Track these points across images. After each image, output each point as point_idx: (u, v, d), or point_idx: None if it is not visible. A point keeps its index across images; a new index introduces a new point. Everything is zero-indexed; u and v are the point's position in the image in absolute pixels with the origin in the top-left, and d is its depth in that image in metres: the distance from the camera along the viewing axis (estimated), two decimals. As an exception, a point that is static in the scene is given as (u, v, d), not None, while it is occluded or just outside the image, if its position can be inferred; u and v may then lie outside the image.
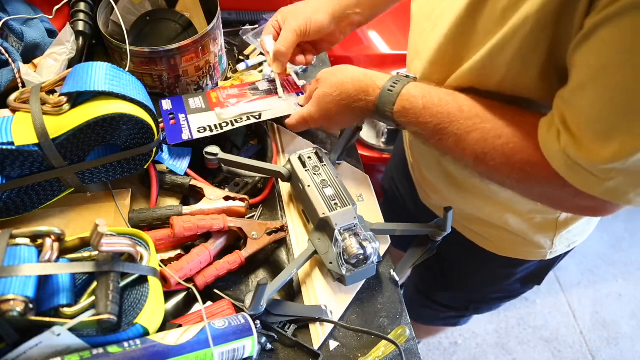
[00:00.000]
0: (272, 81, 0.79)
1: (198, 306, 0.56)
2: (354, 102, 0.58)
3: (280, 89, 0.74)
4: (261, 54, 0.88)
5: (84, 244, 0.49)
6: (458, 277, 0.92)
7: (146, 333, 0.46)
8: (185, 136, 0.66)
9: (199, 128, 0.67)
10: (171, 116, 0.69)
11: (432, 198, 0.79)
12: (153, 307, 0.47)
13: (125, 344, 0.43)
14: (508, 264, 0.76)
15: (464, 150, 0.50)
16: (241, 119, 0.69)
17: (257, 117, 0.70)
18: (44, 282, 0.43)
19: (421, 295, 1.10)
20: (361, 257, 0.56)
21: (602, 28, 0.36)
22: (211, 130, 0.66)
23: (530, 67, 0.45)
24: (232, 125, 0.68)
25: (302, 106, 0.69)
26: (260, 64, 0.87)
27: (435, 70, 0.57)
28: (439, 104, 0.52)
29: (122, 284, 0.47)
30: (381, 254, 0.62)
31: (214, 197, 0.62)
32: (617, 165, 0.38)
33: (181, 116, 0.69)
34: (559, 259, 0.77)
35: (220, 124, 0.68)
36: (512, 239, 0.71)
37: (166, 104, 0.71)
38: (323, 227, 0.59)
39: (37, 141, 0.51)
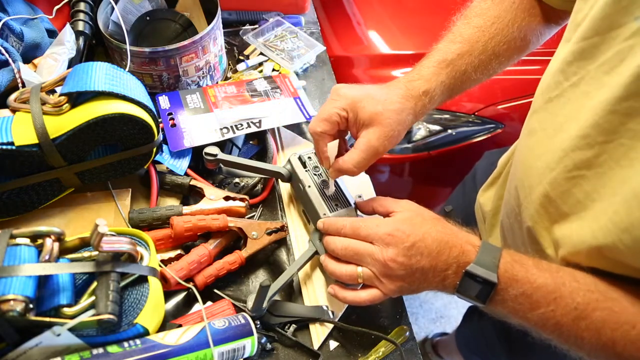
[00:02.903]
0: (270, 82, 0.79)
1: (198, 306, 0.56)
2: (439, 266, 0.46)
3: (331, 185, 0.60)
4: (261, 53, 0.88)
5: (84, 244, 0.49)
6: (525, 353, 0.81)
7: (146, 333, 0.46)
8: (188, 143, 0.66)
9: (200, 135, 0.67)
10: (170, 117, 0.69)
11: None
12: (153, 307, 0.47)
13: (125, 344, 0.43)
14: None
15: (584, 330, 0.41)
16: (241, 125, 0.70)
17: (258, 124, 0.70)
18: (44, 282, 0.43)
19: (478, 346, 1.01)
20: (361, 257, 0.56)
21: None
22: (212, 138, 0.67)
23: None
24: (234, 132, 0.69)
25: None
26: (260, 64, 0.87)
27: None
28: (549, 268, 0.44)
29: (122, 284, 0.47)
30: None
31: (214, 197, 0.62)
32: None
33: (180, 117, 0.69)
34: None
35: (221, 129, 0.68)
36: None
37: (163, 101, 0.71)
38: (323, 227, 0.59)
39: (37, 141, 0.51)
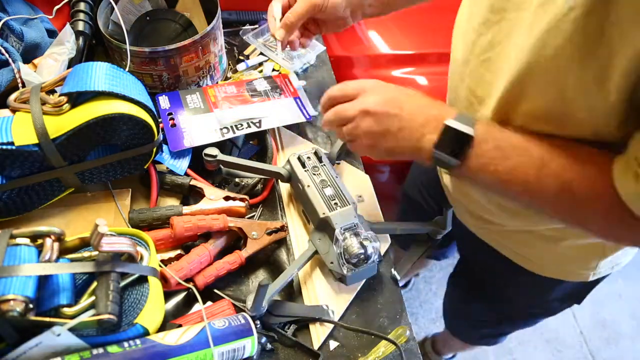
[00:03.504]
0: (270, 81, 0.79)
1: (198, 306, 0.56)
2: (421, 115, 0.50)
3: (279, 50, 0.71)
4: (261, 53, 0.88)
5: (84, 244, 0.49)
6: (494, 291, 0.88)
7: (146, 333, 0.46)
8: (188, 143, 0.66)
9: (200, 135, 0.67)
10: (170, 117, 0.69)
11: (473, 219, 0.73)
12: (153, 307, 0.47)
13: (125, 344, 0.43)
14: (549, 283, 0.73)
15: (546, 176, 0.45)
16: (241, 125, 0.70)
17: (257, 124, 0.70)
18: (44, 282, 0.43)
19: (456, 308, 1.07)
20: (362, 256, 0.56)
21: None
22: (212, 138, 0.67)
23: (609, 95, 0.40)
24: (234, 132, 0.69)
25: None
26: (260, 64, 0.87)
27: (501, 116, 0.51)
28: (510, 134, 0.48)
29: (122, 284, 0.47)
30: (381, 254, 0.62)
31: (214, 197, 0.62)
32: None
33: (180, 117, 0.69)
34: (601, 279, 0.72)
35: (221, 129, 0.68)
36: (556, 260, 0.68)
37: (163, 101, 0.71)
38: (323, 227, 0.59)
39: (37, 141, 0.51)
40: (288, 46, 0.72)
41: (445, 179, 0.77)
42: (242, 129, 0.70)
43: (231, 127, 0.69)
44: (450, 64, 0.63)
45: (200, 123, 0.69)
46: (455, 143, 0.47)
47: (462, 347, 1.45)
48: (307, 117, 0.74)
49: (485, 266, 0.85)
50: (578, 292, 0.78)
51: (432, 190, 0.91)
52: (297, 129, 0.78)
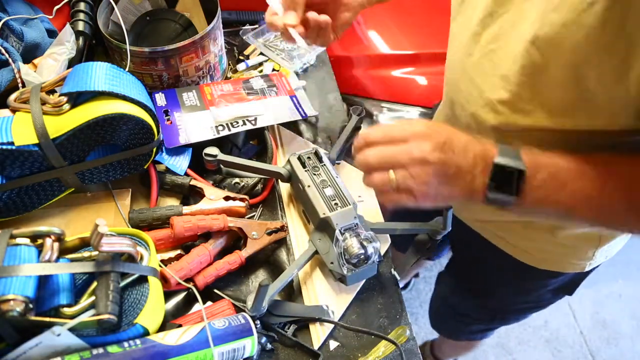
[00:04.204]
0: (267, 80, 0.79)
1: (198, 306, 0.56)
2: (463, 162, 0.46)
3: (300, 41, 0.60)
4: (261, 53, 0.88)
5: (84, 244, 0.49)
6: (486, 287, 0.87)
7: (146, 333, 0.46)
8: (183, 140, 0.66)
9: (196, 132, 0.67)
10: (167, 117, 0.69)
11: (472, 217, 0.74)
12: (153, 307, 0.47)
13: (125, 344, 0.43)
14: (545, 276, 0.73)
15: (613, 191, 0.44)
16: (237, 122, 0.69)
17: (253, 122, 0.70)
18: (44, 282, 0.43)
19: (444, 304, 1.06)
20: (362, 256, 0.56)
21: None
22: (208, 135, 0.67)
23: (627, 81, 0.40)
24: (229, 129, 0.69)
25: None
26: (260, 64, 0.87)
27: (518, 115, 0.50)
28: (555, 157, 0.46)
29: (122, 284, 0.47)
30: (381, 254, 0.62)
31: (214, 197, 0.62)
32: None
33: (177, 115, 0.69)
34: (593, 270, 0.73)
35: (216, 127, 0.68)
36: (555, 252, 0.68)
37: (160, 99, 0.71)
38: (323, 227, 0.59)
39: (37, 141, 0.51)
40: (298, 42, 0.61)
41: None
42: (238, 126, 0.69)
43: (227, 124, 0.69)
44: (447, 58, 0.64)
45: (195, 120, 0.69)
46: (508, 181, 0.44)
47: (458, 352, 1.44)
48: (303, 115, 0.74)
49: (478, 261, 0.85)
50: (572, 283, 0.78)
51: None
52: (298, 129, 0.78)
